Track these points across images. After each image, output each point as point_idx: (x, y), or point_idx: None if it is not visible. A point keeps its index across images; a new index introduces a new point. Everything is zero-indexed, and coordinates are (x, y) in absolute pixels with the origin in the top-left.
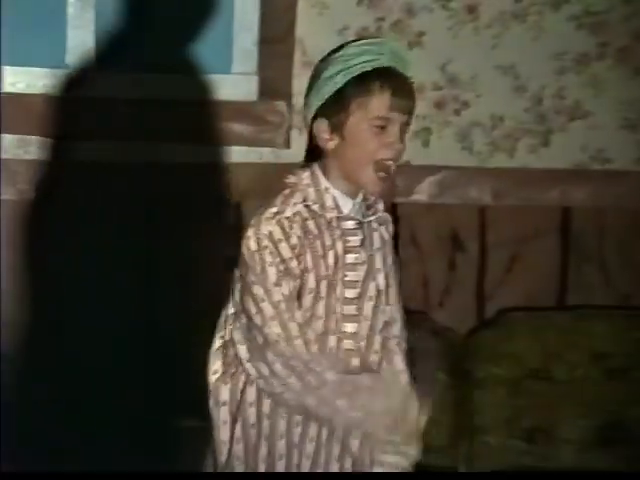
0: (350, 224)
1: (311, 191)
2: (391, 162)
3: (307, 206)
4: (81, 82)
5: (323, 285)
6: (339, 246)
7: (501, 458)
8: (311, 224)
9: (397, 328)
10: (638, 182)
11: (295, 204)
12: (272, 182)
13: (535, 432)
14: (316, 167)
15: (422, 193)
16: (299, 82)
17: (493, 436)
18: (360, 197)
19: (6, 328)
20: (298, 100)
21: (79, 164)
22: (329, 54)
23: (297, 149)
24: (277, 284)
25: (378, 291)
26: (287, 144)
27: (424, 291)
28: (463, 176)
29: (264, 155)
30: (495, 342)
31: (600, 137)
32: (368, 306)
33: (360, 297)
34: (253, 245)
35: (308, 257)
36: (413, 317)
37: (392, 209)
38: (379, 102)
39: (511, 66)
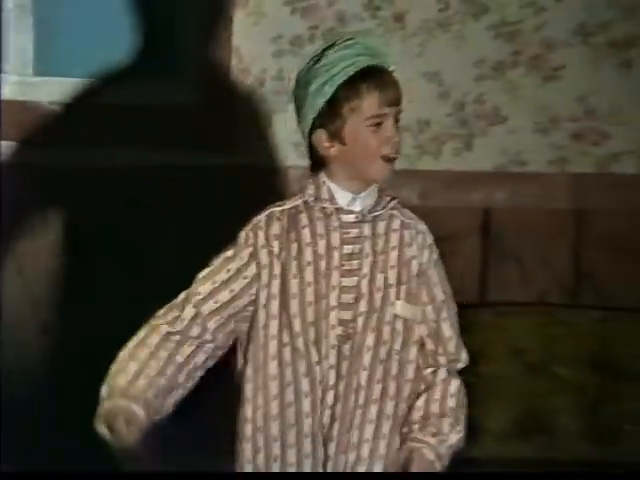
0: (350, 217)
1: (311, 187)
2: (394, 155)
3: (305, 202)
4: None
5: (308, 272)
6: (334, 236)
7: None
8: (303, 216)
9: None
10: (552, 183)
11: (295, 200)
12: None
13: None
14: (322, 174)
15: None
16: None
17: None
18: (367, 193)
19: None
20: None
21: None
22: (309, 64)
23: None
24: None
25: (385, 284)
26: None
27: None
28: (394, 178)
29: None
30: None
31: (517, 141)
32: (365, 296)
33: (357, 286)
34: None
35: (294, 245)
36: None
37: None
38: (370, 102)
39: (436, 73)
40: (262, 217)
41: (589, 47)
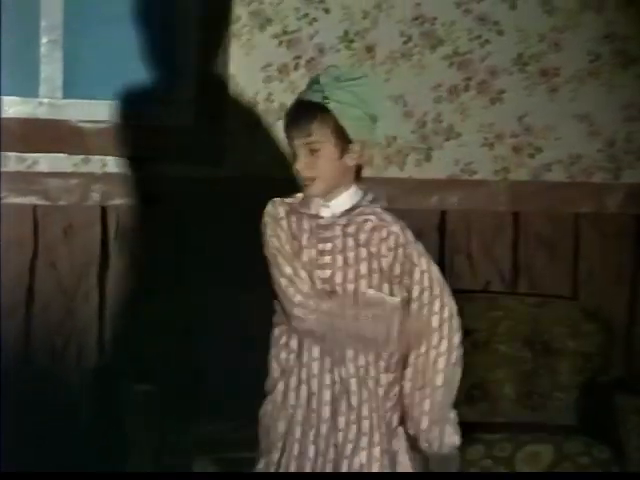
0: (322, 221)
1: (299, 194)
2: (306, 181)
3: (298, 203)
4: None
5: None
6: (309, 236)
7: None
8: (293, 214)
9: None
10: (496, 189)
11: (294, 198)
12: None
13: None
14: None
15: None
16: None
17: None
18: (336, 201)
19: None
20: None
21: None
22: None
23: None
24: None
25: (356, 277)
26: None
27: None
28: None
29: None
30: None
31: (468, 153)
32: (339, 285)
33: (331, 277)
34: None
35: (282, 234)
36: None
37: None
38: (286, 135)
39: (400, 95)
40: (268, 205)
41: (525, 74)
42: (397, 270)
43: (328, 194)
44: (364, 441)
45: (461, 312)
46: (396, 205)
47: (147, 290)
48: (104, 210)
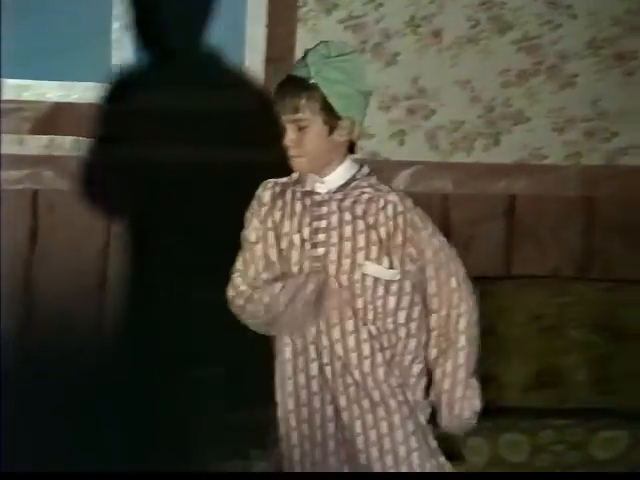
0: (317, 197)
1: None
2: (294, 157)
3: (293, 181)
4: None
5: (284, 241)
6: (304, 214)
7: None
8: (288, 193)
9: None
10: (566, 174)
11: (290, 178)
12: None
13: (486, 378)
14: None
15: (398, 184)
16: None
17: None
18: (330, 177)
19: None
20: None
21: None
22: None
23: None
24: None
25: (353, 249)
26: None
27: None
28: (430, 170)
29: None
30: None
31: (537, 138)
32: (334, 262)
33: (325, 254)
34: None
35: (277, 214)
36: None
37: None
38: (276, 110)
39: (467, 81)
40: (259, 187)
41: (598, 58)
42: (399, 238)
43: (320, 170)
44: (380, 411)
45: (530, 297)
46: (463, 190)
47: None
48: None
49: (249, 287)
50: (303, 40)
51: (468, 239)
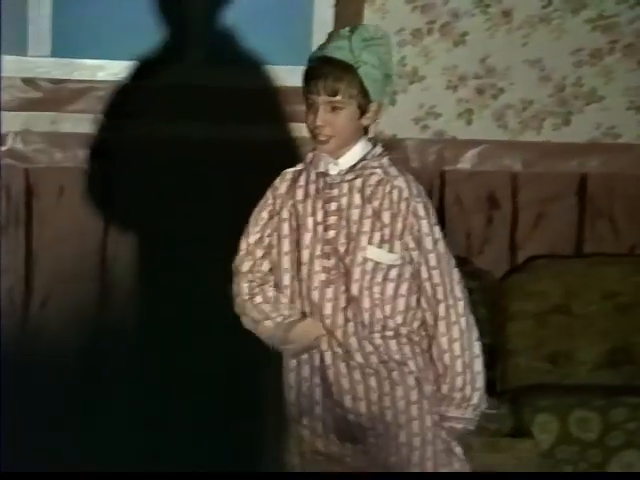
0: (329, 179)
1: (309, 154)
2: (320, 137)
3: (307, 165)
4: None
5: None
6: (318, 196)
7: (529, 377)
8: (302, 177)
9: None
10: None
11: (303, 163)
12: None
13: (557, 356)
14: None
15: (465, 162)
16: None
17: (523, 359)
18: (344, 158)
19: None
20: None
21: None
22: None
23: None
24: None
25: (358, 232)
26: None
27: (467, 241)
28: (498, 148)
29: None
30: (525, 283)
31: (610, 117)
32: (343, 245)
33: (336, 237)
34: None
35: (290, 202)
36: (457, 262)
37: (440, 176)
38: (304, 89)
39: (538, 60)
40: (278, 178)
41: None
42: (399, 224)
43: (339, 151)
44: (400, 391)
45: (604, 276)
46: (533, 169)
47: None
48: None
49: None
50: (370, 20)
51: (537, 218)
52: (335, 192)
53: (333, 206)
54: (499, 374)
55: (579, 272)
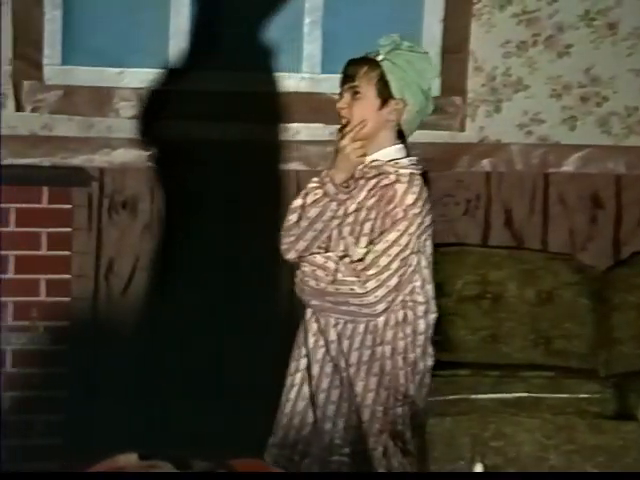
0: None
1: None
2: (344, 121)
3: None
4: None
5: None
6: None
7: (632, 364)
8: None
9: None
10: None
11: None
12: (449, 156)
13: None
14: None
15: (569, 165)
16: (471, 82)
17: (627, 346)
18: (371, 156)
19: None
20: (469, 95)
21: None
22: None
23: (469, 133)
24: None
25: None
26: (462, 129)
27: (570, 238)
28: (602, 152)
29: (444, 137)
30: (629, 276)
31: None
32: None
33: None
34: None
35: None
36: (561, 258)
37: (544, 178)
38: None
39: None
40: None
41: None
42: (377, 226)
43: (363, 143)
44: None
45: None
46: (636, 171)
47: None
48: None
49: None
50: (476, 33)
51: None
52: (355, 192)
53: (352, 207)
54: (603, 360)
55: None
